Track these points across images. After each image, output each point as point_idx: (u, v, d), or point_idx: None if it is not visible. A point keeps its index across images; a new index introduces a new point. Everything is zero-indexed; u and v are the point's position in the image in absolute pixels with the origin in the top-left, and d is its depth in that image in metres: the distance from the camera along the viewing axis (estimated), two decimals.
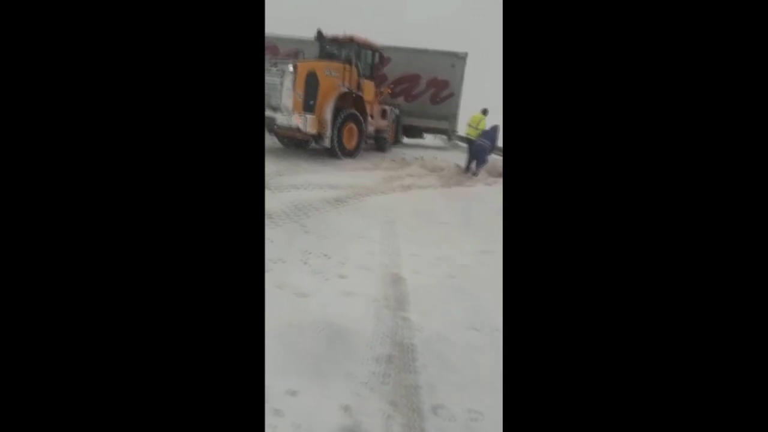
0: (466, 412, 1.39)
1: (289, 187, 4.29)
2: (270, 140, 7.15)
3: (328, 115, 6.15)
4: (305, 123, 5.88)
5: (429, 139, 11.48)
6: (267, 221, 3.08)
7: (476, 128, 6.82)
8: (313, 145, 6.99)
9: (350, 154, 6.80)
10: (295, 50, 9.43)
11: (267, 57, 7.94)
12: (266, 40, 9.37)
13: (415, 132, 10.31)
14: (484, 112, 6.96)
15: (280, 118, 5.86)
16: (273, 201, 3.65)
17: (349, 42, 6.93)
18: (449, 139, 10.93)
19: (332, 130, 6.28)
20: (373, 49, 7.41)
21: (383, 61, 7.91)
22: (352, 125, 6.72)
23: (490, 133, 6.59)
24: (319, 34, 6.97)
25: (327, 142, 6.28)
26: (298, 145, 7.12)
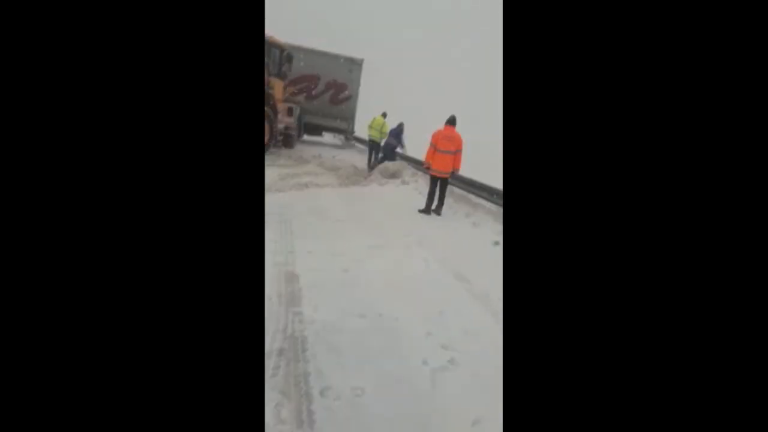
0: (350, 389, 1.56)
1: None
2: None
3: None
4: None
5: (328, 137, 11.66)
6: None
7: (380, 131, 7.37)
8: None
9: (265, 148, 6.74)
10: None
11: None
12: None
13: (314, 130, 10.54)
14: (384, 115, 7.52)
15: None
16: None
17: None
18: (346, 138, 11.41)
19: None
20: (281, 47, 7.35)
21: (289, 60, 7.89)
22: (264, 122, 6.68)
23: (396, 131, 7.22)
24: None
25: None
26: None
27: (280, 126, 7.66)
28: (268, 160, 6.71)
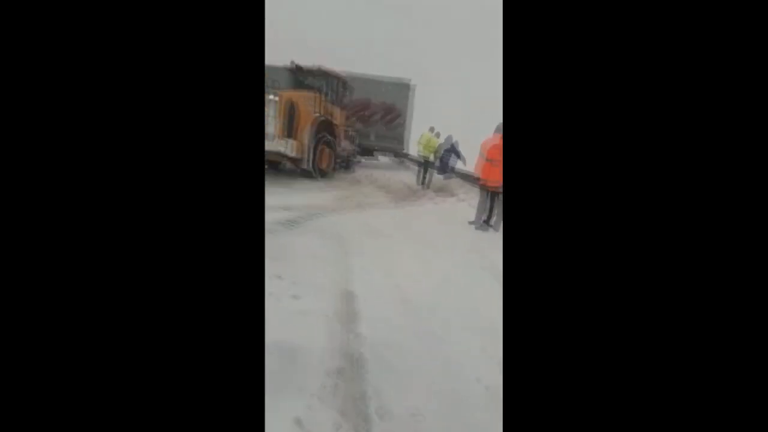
0: (406, 410, 1.55)
1: None
2: None
3: (306, 140, 6.88)
4: (288, 147, 6.55)
5: (380, 158, 12.02)
6: None
7: (428, 146, 7.44)
8: (287, 166, 7.46)
9: (324, 174, 7.53)
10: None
11: None
12: None
13: (367, 151, 10.93)
14: (432, 130, 7.57)
15: (266, 143, 6.35)
16: None
17: (319, 72, 7.62)
18: (396, 156, 11.69)
19: (310, 153, 6.96)
20: (340, 78, 8.08)
21: (348, 88, 8.57)
22: (326, 148, 7.51)
23: (448, 146, 7.35)
24: (296, 66, 7.60)
25: (305, 164, 6.98)
26: (271, 166, 7.52)
27: (341, 151, 8.26)
28: (325, 184, 7.07)
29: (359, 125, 10.31)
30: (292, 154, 6.66)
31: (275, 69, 8.97)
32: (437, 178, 7.70)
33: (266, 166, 7.71)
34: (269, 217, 4.17)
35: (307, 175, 7.11)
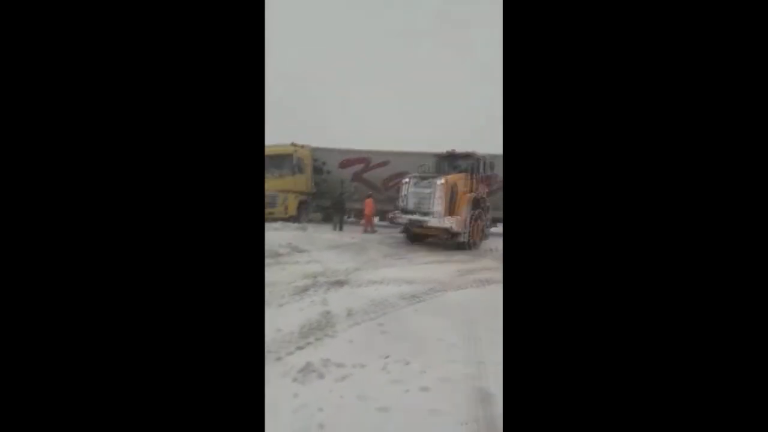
0: None
1: (367, 283, 4.41)
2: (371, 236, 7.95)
3: (465, 216, 7.90)
4: (453, 223, 7.59)
5: (498, 228, 11.64)
6: (348, 319, 3.13)
7: None
8: (427, 240, 8.49)
9: (476, 244, 8.32)
10: (386, 161, 11.70)
11: (405, 173, 9.76)
12: (360, 154, 11.87)
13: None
14: None
15: (432, 221, 7.60)
16: (352, 298, 3.75)
17: (468, 156, 8.86)
18: None
19: (468, 228, 7.94)
20: (486, 160, 9.15)
21: (493, 167, 9.53)
22: (478, 221, 8.42)
23: None
24: (453, 153, 9.08)
25: (463, 237, 7.86)
26: (420, 240, 8.60)
27: (487, 222, 9.13)
28: (443, 256, 6.92)
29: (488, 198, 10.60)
30: (456, 229, 7.61)
31: (422, 155, 10.23)
32: None
33: (409, 238, 8.51)
34: (392, 290, 4.15)
35: (460, 247, 7.89)
